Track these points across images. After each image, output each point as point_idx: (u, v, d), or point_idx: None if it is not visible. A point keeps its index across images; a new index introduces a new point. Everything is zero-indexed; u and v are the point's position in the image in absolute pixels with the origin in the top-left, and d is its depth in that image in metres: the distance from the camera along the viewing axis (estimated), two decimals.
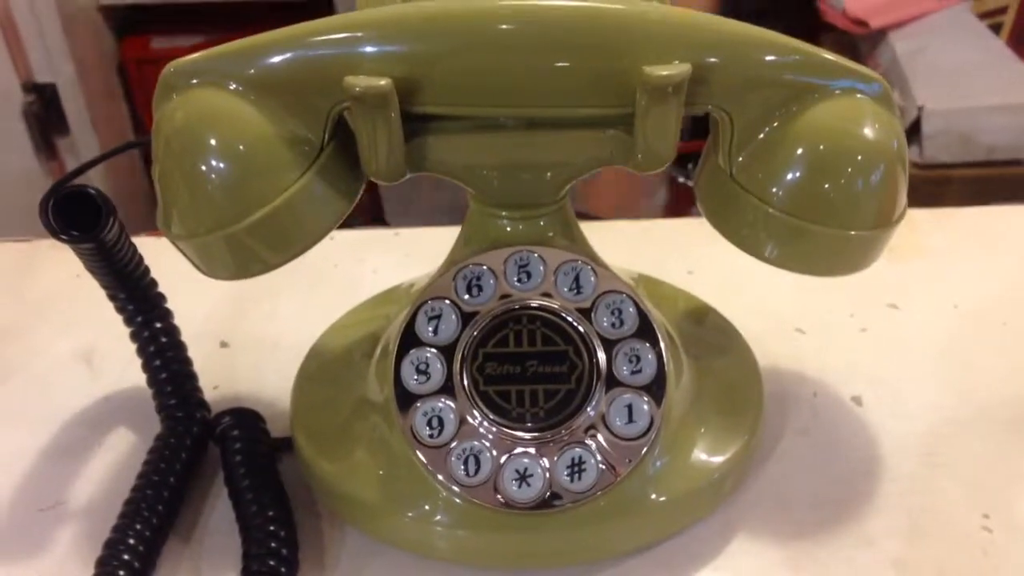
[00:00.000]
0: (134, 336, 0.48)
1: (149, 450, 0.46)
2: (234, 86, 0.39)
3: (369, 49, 0.38)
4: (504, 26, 0.38)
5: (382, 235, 0.59)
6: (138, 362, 0.51)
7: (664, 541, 0.42)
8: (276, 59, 0.39)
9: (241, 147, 0.39)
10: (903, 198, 0.41)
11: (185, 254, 0.41)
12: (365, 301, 0.50)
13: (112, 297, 0.47)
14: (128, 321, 0.48)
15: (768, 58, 0.39)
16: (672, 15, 0.38)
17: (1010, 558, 0.41)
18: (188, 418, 0.47)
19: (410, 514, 0.41)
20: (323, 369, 0.47)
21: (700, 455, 0.43)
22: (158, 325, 0.48)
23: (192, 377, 0.48)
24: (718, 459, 0.43)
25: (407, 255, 0.57)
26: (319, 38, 0.39)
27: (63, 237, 0.42)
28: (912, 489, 0.44)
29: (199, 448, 0.47)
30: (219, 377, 0.50)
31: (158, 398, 0.48)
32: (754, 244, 0.41)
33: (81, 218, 0.43)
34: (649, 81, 0.37)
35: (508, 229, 0.43)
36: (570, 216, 0.44)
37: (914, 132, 1.28)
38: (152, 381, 0.48)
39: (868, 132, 0.39)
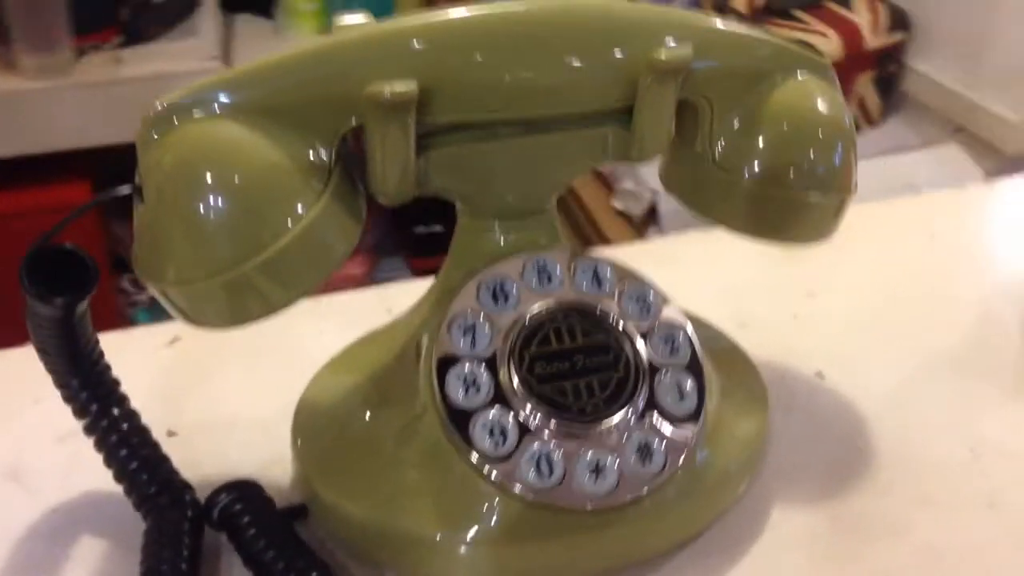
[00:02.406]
0: (90, 428, 0.42)
1: (143, 547, 0.40)
2: (233, 115, 0.37)
3: (385, 61, 0.38)
4: (518, 29, 0.39)
5: (303, 306, 0.55)
6: (80, 464, 0.45)
7: (714, 522, 0.43)
8: (283, 81, 0.38)
9: (251, 178, 0.37)
10: (855, 168, 0.45)
11: (173, 303, 0.38)
12: (337, 356, 0.47)
13: (63, 385, 0.42)
14: (80, 412, 0.42)
15: (741, 46, 0.43)
16: (670, 11, 0.41)
17: (1000, 478, 0.45)
18: (177, 503, 0.42)
19: (477, 536, 0.39)
20: (325, 422, 0.44)
21: (736, 429, 0.44)
22: (116, 411, 0.43)
23: (166, 459, 0.43)
24: (750, 432, 0.44)
25: (339, 320, 0.55)
26: (331, 54, 0.38)
27: (48, 299, 0.37)
28: (900, 437, 0.48)
29: (198, 534, 0.41)
30: (180, 465, 0.45)
31: (135, 490, 0.42)
32: (733, 218, 0.44)
33: (49, 281, 0.38)
34: (658, 63, 0.39)
35: (501, 241, 0.43)
36: (557, 221, 0.45)
37: (652, 214, 1.39)
38: (122, 473, 0.42)
39: (826, 108, 0.43)
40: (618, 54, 0.40)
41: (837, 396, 0.50)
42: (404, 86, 0.37)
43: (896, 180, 1.33)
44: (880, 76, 1.56)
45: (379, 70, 0.37)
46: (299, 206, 0.37)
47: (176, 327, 0.54)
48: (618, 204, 1.46)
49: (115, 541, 0.43)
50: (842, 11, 1.53)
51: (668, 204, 1.39)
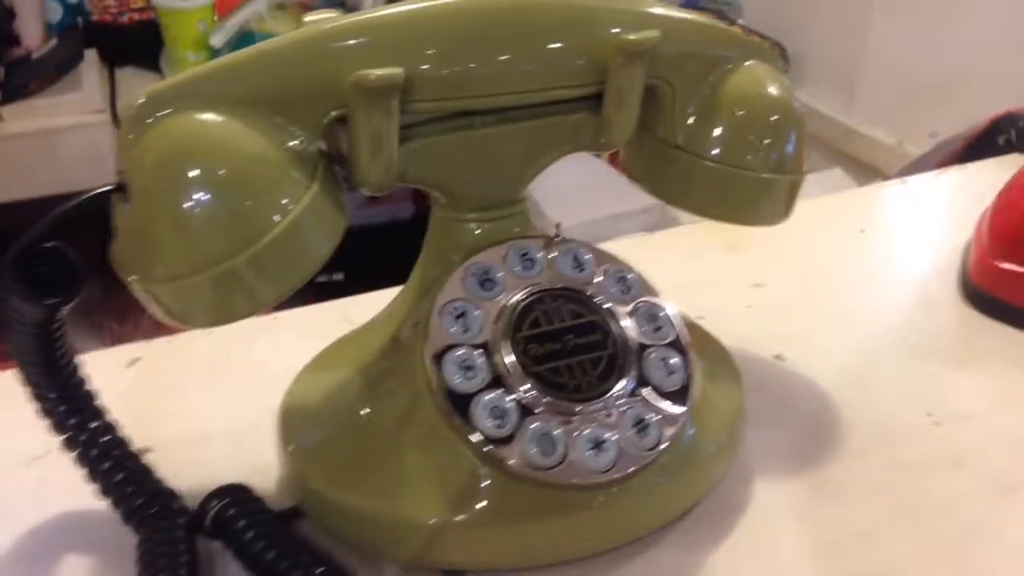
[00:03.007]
0: (70, 443, 0.41)
1: (137, 559, 0.39)
2: (217, 107, 0.37)
3: (369, 48, 0.38)
4: (496, 16, 0.40)
5: (260, 321, 0.55)
6: (52, 485, 0.44)
7: (703, 498, 0.44)
8: (266, 70, 0.38)
9: (237, 171, 0.36)
10: (804, 151, 0.47)
11: (159, 301, 0.37)
12: (315, 359, 0.46)
13: (39, 397, 0.40)
14: (59, 427, 0.41)
15: (699, 33, 0.45)
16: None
17: (961, 439, 0.48)
18: (166, 511, 0.40)
19: (481, 518, 0.39)
20: (317, 420, 0.43)
21: (717, 406, 0.45)
22: (95, 424, 0.41)
23: (151, 470, 0.42)
24: (730, 409, 0.45)
25: (298, 333, 0.54)
26: (315, 43, 0.38)
27: (39, 301, 0.36)
28: (862, 408, 0.49)
29: (192, 542, 0.40)
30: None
31: (123, 502, 0.41)
32: (696, 200, 0.46)
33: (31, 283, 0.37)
34: (626, 45, 0.41)
35: (477, 232, 0.44)
36: (529, 215, 0.46)
37: None
38: (107, 487, 0.41)
39: (779, 93, 0.45)
40: (587, 40, 0.41)
41: (799, 376, 0.52)
42: (390, 70, 0.37)
43: None
44: None
45: (362, 58, 0.38)
46: (286, 199, 0.37)
47: (135, 348, 0.53)
48: None
49: (100, 558, 0.41)
50: None
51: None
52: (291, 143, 0.38)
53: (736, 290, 0.58)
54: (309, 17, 0.40)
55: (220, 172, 0.36)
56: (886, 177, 1.42)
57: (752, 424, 0.47)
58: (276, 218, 0.36)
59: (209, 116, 0.37)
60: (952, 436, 0.48)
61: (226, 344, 0.53)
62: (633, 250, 0.55)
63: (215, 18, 1.55)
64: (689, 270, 0.60)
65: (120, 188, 0.37)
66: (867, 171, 1.50)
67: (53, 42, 1.58)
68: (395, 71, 0.37)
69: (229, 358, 0.52)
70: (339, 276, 1.67)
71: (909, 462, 0.46)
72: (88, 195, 0.38)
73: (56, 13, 1.63)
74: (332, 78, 0.38)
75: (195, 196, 0.35)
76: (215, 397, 0.50)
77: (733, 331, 0.54)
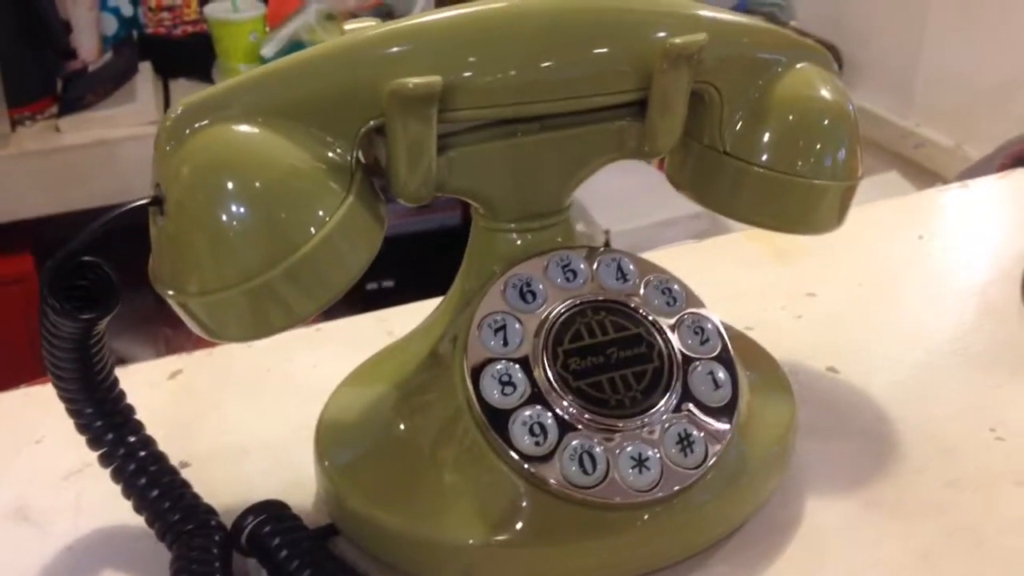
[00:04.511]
0: (106, 458, 0.40)
1: (172, 575, 0.38)
2: (251, 118, 0.36)
3: (406, 56, 0.37)
4: (535, 22, 0.39)
5: (302, 333, 0.54)
6: (90, 501, 0.44)
7: (752, 515, 0.42)
8: (301, 80, 0.37)
9: (272, 183, 0.36)
10: (860, 156, 0.46)
11: (193, 316, 0.37)
12: (353, 373, 0.46)
13: (76, 412, 0.40)
14: (95, 442, 0.40)
15: (748, 35, 0.43)
16: (681, 1, 0.42)
17: None
18: (203, 528, 0.40)
19: (521, 539, 0.38)
20: (353, 436, 0.42)
21: (767, 420, 0.43)
22: (132, 439, 0.41)
23: (187, 485, 0.41)
24: (781, 423, 0.43)
25: (338, 346, 0.54)
26: (351, 52, 0.38)
27: (75, 316, 0.35)
28: (921, 423, 0.48)
29: (227, 560, 0.40)
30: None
31: (158, 519, 0.40)
32: (745, 209, 0.45)
33: (67, 298, 0.36)
34: (671, 49, 0.39)
35: (519, 242, 0.43)
36: (573, 224, 0.44)
37: None
38: (143, 503, 0.40)
39: (832, 96, 0.44)
40: (631, 44, 0.40)
41: (853, 389, 0.50)
42: (427, 79, 0.36)
43: None
44: None
45: (399, 66, 0.37)
46: (322, 210, 0.36)
47: (177, 361, 0.53)
48: None
49: (137, 574, 0.41)
50: None
51: (621, 244, 1.40)
52: (327, 154, 0.37)
53: (787, 300, 0.57)
54: (350, 25, 0.39)
55: (255, 185, 0.35)
56: (945, 181, 1.39)
57: (805, 439, 0.46)
58: (312, 231, 0.36)
59: (244, 128, 0.36)
60: (1016, 452, 0.46)
61: (267, 357, 0.52)
62: (680, 259, 0.54)
63: (266, 29, 1.56)
64: (738, 279, 0.59)
65: (157, 201, 0.37)
66: (925, 175, 1.47)
67: (108, 55, 1.60)
68: (433, 79, 0.36)
69: (270, 371, 0.52)
70: (389, 283, 1.68)
71: (970, 480, 0.44)
72: (123, 208, 0.37)
73: (111, 26, 1.65)
74: (369, 87, 0.37)
75: (229, 209, 0.35)
76: (255, 410, 0.50)
77: (784, 342, 0.52)
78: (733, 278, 0.59)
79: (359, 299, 1.65)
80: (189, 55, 1.62)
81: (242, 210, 0.35)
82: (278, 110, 0.37)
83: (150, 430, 0.42)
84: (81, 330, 0.37)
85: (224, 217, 0.35)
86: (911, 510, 0.43)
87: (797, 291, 0.57)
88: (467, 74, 0.38)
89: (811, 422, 0.47)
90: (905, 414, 0.48)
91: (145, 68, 1.60)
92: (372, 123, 0.37)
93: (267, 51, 1.52)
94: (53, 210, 1.46)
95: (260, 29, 1.55)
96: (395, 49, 0.37)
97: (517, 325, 0.40)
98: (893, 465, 0.45)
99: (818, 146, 0.43)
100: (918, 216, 0.67)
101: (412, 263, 1.51)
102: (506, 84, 0.39)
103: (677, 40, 0.39)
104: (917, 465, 0.45)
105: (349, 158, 0.37)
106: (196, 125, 0.36)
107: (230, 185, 0.35)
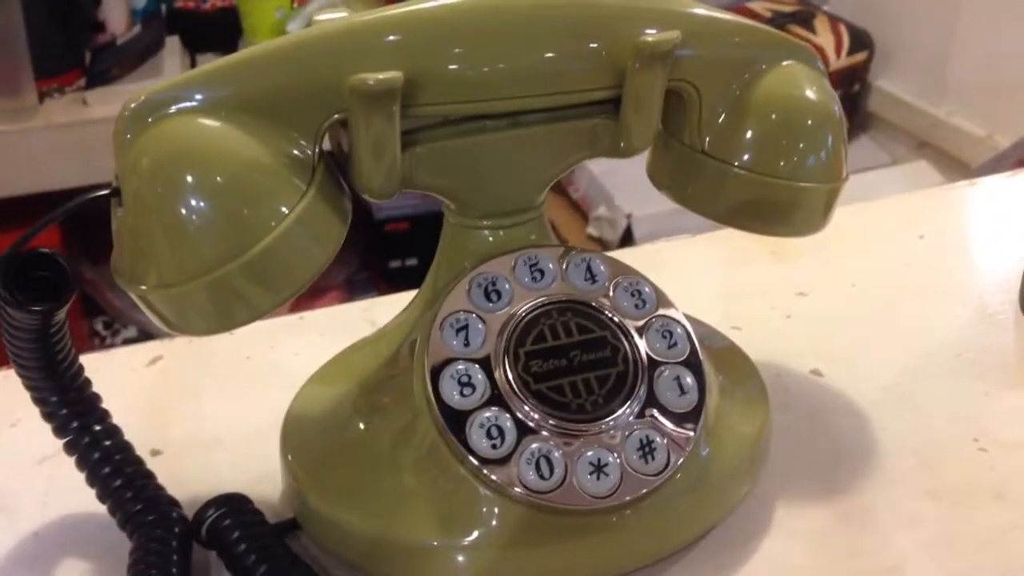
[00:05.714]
0: (71, 446, 0.41)
1: (129, 566, 0.38)
2: (211, 111, 0.36)
3: (369, 50, 0.37)
4: (501, 16, 0.38)
5: (285, 321, 0.54)
6: (61, 486, 0.44)
7: (721, 521, 0.42)
8: (263, 74, 0.37)
9: (231, 176, 0.35)
10: (845, 157, 0.44)
11: (154, 310, 0.36)
12: (323, 367, 0.46)
13: (41, 400, 0.40)
14: (60, 430, 0.41)
15: (727, 32, 0.42)
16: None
17: (1006, 468, 0.45)
18: (163, 519, 0.40)
19: (477, 542, 0.37)
20: (316, 432, 0.42)
21: (737, 426, 0.42)
22: (97, 428, 0.41)
23: (151, 476, 0.41)
24: (752, 429, 0.43)
25: (321, 335, 0.53)
26: (313, 46, 0.37)
27: (25, 306, 0.35)
28: (903, 431, 0.47)
29: (186, 551, 0.40)
30: (165, 484, 0.43)
31: (120, 508, 0.40)
32: (725, 210, 0.44)
33: (24, 288, 0.36)
34: (645, 47, 0.38)
35: (491, 239, 0.42)
36: (547, 222, 0.44)
37: (628, 239, 1.38)
38: (106, 492, 0.40)
39: (815, 95, 0.43)
40: (604, 41, 0.39)
41: (836, 393, 0.49)
42: (388, 74, 0.36)
43: (867, 198, 1.34)
44: (844, 96, 1.58)
45: (362, 60, 0.36)
46: (282, 204, 0.36)
47: (158, 346, 0.53)
48: (593, 231, 1.46)
49: (100, 563, 0.41)
50: (805, 33, 1.54)
51: (642, 228, 1.39)
52: (288, 147, 0.36)
53: (777, 299, 0.56)
54: (320, 16, 0.39)
55: (213, 178, 0.35)
56: (972, 170, 1.36)
57: (780, 444, 0.45)
58: (271, 224, 0.35)
59: (203, 120, 0.36)
60: (998, 464, 0.45)
61: (247, 345, 0.52)
62: (672, 254, 0.53)
63: (293, 6, 1.56)
64: (729, 277, 0.58)
65: (117, 192, 0.36)
66: (954, 164, 1.44)
67: (137, 28, 1.61)
68: (394, 75, 0.36)
69: (249, 359, 0.52)
70: (412, 261, 1.67)
71: (947, 492, 0.43)
72: (82, 199, 0.37)
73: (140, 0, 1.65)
74: (330, 81, 0.36)
75: (187, 201, 0.35)
76: (231, 400, 0.50)
77: (770, 343, 0.52)
78: (725, 275, 0.58)
79: (382, 277, 1.66)
80: (216, 30, 1.62)
81: (200, 203, 0.35)
82: (239, 103, 0.36)
83: (126, 417, 0.42)
84: (39, 321, 0.37)
85: (182, 210, 0.35)
86: (885, 521, 0.42)
87: (789, 290, 0.56)
88: (432, 69, 0.37)
89: (788, 426, 0.46)
90: (886, 421, 0.47)
91: (172, 42, 1.60)
92: (336, 117, 0.37)
93: (292, 28, 1.52)
94: (80, 182, 1.47)
95: (287, 5, 1.55)
96: (355, 43, 0.37)
97: (480, 325, 0.39)
98: (869, 474, 0.44)
99: (801, 146, 0.42)
100: (922, 215, 0.65)
101: (435, 242, 1.50)
102: (473, 79, 0.38)
103: (649, 38, 0.39)
104: (894, 474, 0.44)
105: (311, 152, 0.37)
106: (155, 116, 0.36)
107: (188, 178, 0.35)
